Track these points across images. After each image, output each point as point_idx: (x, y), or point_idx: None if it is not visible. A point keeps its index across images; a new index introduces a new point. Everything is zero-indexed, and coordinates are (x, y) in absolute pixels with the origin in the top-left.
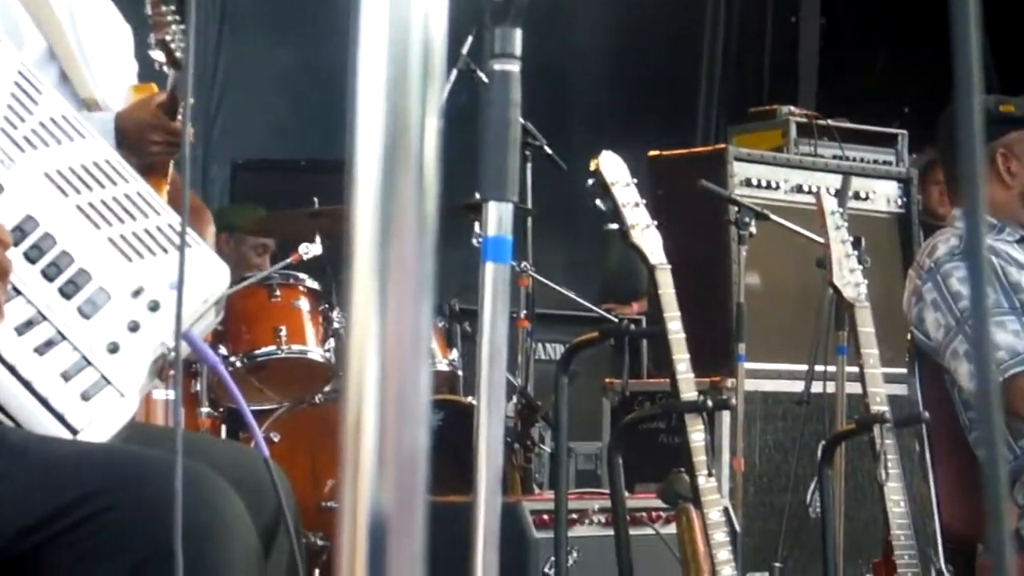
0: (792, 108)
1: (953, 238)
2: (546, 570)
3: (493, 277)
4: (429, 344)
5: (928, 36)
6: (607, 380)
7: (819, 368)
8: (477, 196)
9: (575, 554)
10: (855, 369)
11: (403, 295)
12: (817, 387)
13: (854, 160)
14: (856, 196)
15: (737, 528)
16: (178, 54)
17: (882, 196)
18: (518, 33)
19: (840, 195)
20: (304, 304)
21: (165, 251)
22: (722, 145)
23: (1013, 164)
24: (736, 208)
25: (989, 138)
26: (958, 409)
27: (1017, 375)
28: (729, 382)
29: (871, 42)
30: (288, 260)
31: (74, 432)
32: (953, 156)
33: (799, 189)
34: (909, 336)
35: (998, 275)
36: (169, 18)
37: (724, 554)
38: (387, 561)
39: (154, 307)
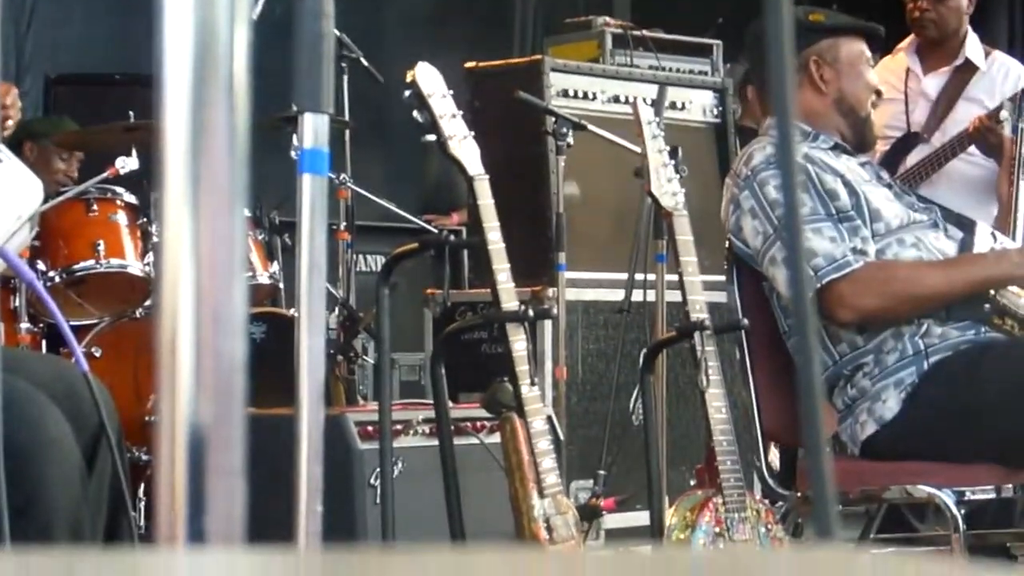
0: (608, 19)
1: (769, 146)
2: (372, 481)
3: (311, 189)
4: (244, 256)
5: None
6: (428, 291)
7: (639, 277)
8: (294, 108)
9: (400, 465)
10: (675, 277)
11: (216, 207)
12: (637, 295)
13: (670, 70)
14: (672, 106)
15: (561, 436)
16: None
17: (698, 106)
18: None
19: (656, 105)
20: (122, 218)
21: None
22: (538, 56)
23: (826, 71)
24: (553, 119)
25: (801, 47)
26: (776, 315)
27: (834, 281)
28: (550, 291)
29: None
30: (105, 174)
31: None
32: (764, 66)
33: (616, 99)
34: (727, 244)
35: (813, 182)
36: None
37: (548, 462)
38: (206, 474)
39: None
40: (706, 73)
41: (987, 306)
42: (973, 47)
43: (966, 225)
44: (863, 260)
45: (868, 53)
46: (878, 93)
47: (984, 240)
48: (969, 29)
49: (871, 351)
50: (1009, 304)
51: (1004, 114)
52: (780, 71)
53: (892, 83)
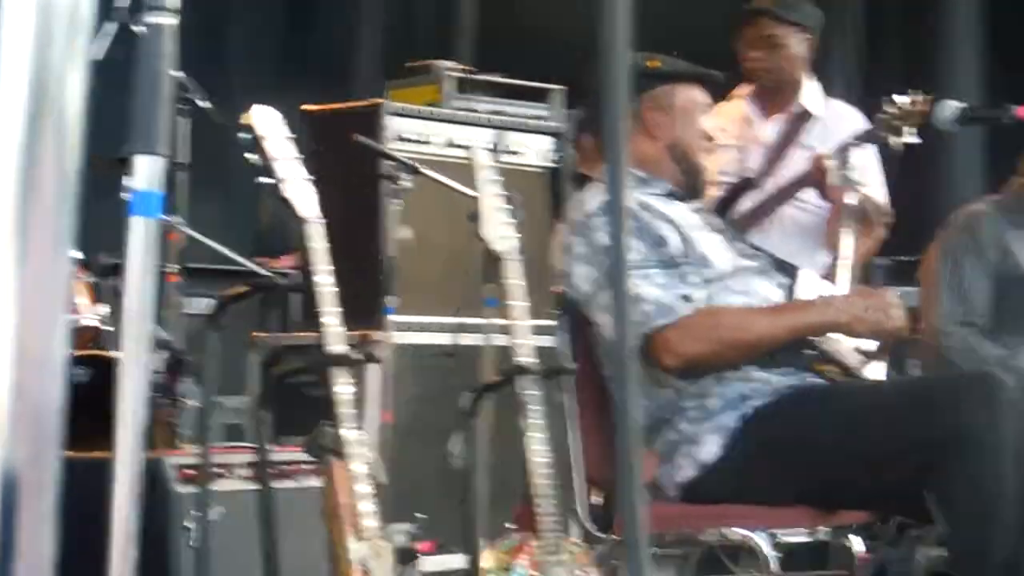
0: (448, 63)
1: (601, 193)
2: (189, 525)
3: (141, 231)
4: (67, 299)
5: None
6: (255, 334)
7: (469, 321)
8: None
9: (220, 509)
10: (503, 321)
11: (41, 249)
12: (466, 340)
13: (509, 115)
14: (510, 151)
15: (383, 480)
16: None
17: (535, 151)
18: None
19: (494, 150)
20: None
21: None
22: (377, 100)
23: (661, 118)
24: (390, 162)
25: (636, 93)
26: (603, 361)
27: (662, 327)
28: (378, 335)
29: None
30: None
31: None
32: (600, 112)
33: (454, 144)
34: (558, 289)
35: (645, 229)
36: None
37: (368, 506)
38: (17, 518)
39: None
40: (545, 118)
41: (811, 352)
42: (811, 95)
43: (792, 273)
44: (691, 307)
45: (705, 100)
46: (711, 140)
47: (809, 287)
48: (807, 76)
49: (694, 395)
50: (832, 351)
51: (831, 163)
52: (614, 118)
53: (728, 129)
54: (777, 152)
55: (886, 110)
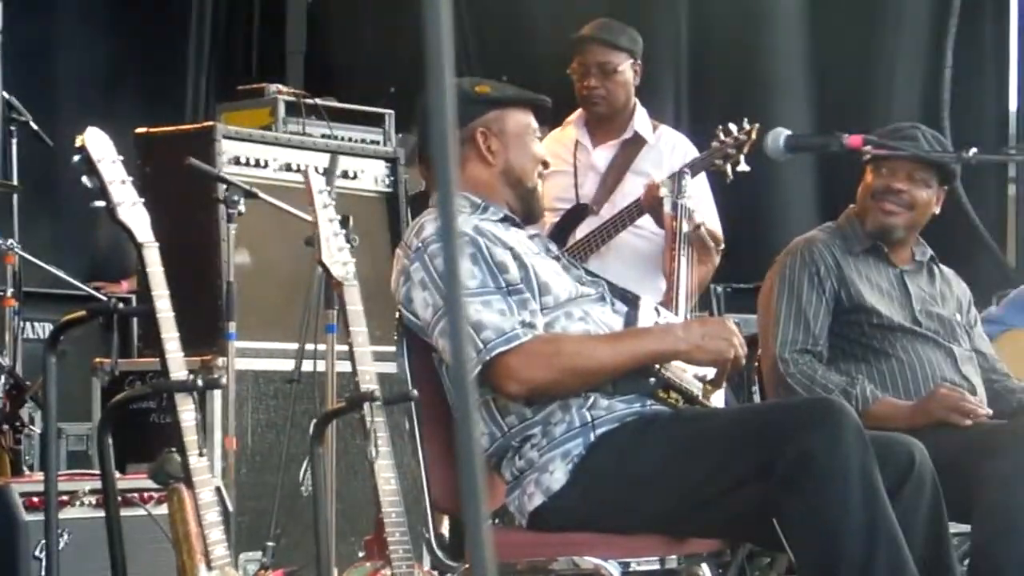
0: (280, 86)
1: (441, 218)
2: (37, 553)
3: None
4: None
5: (415, 13)
6: (96, 360)
7: (309, 347)
8: None
9: (66, 536)
10: (345, 347)
11: None
12: (308, 366)
13: (342, 139)
14: (344, 175)
15: (230, 507)
16: None
17: (370, 175)
18: None
19: (328, 174)
20: None
21: None
22: (210, 123)
23: (493, 143)
24: (225, 186)
25: (467, 119)
26: (446, 386)
27: (502, 354)
28: (220, 361)
29: (358, 19)
30: None
31: None
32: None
33: (288, 168)
34: (398, 315)
35: (483, 255)
36: None
37: (216, 534)
38: None
39: None
40: (378, 142)
41: (652, 380)
42: (641, 121)
43: (630, 300)
44: (532, 333)
45: (535, 125)
46: (545, 164)
47: (648, 315)
48: (637, 103)
49: (539, 423)
50: (673, 378)
51: (664, 191)
52: (442, 143)
53: (562, 155)
54: (611, 179)
55: (719, 139)
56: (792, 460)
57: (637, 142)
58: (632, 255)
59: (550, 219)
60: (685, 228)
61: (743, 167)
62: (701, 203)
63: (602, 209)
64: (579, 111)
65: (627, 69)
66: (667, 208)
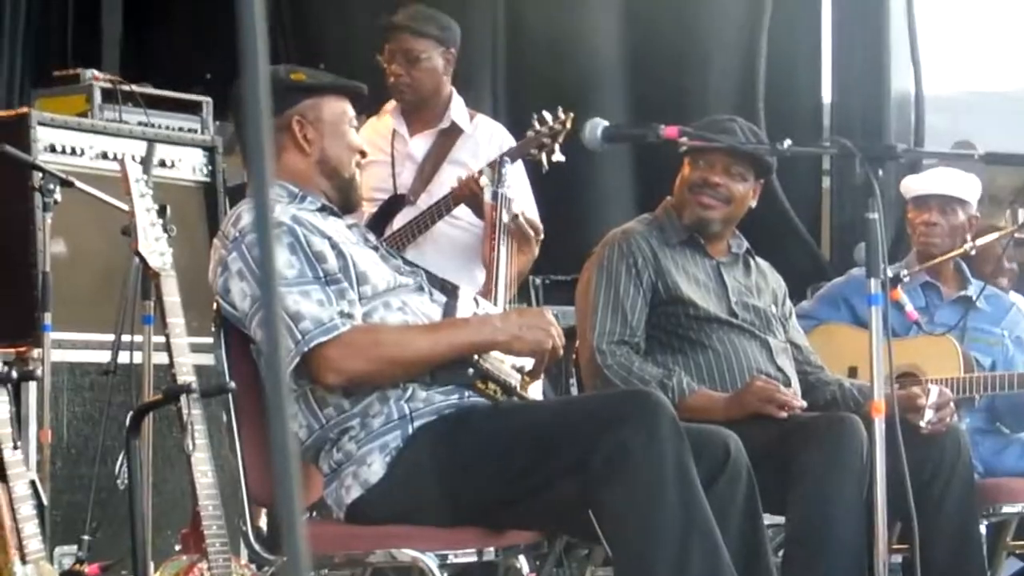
0: (96, 72)
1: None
2: None
3: None
4: None
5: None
6: None
7: (126, 338)
8: None
9: None
10: (162, 339)
11: None
12: (124, 357)
13: (159, 127)
14: (162, 164)
15: (44, 501)
16: None
17: (188, 164)
18: None
19: (145, 162)
20: None
21: None
22: (25, 109)
23: (309, 131)
24: (40, 174)
25: (283, 108)
26: (263, 378)
27: (321, 344)
28: (35, 352)
29: (174, 4)
30: None
31: None
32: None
33: (105, 156)
34: (215, 306)
35: (301, 245)
36: None
37: (31, 527)
38: None
39: None
40: (196, 131)
41: (470, 371)
42: (458, 110)
43: (449, 290)
44: (350, 323)
45: (351, 113)
46: (363, 154)
47: (467, 305)
48: (454, 91)
49: (357, 414)
50: (492, 369)
51: (484, 180)
52: (256, 133)
53: (379, 145)
54: (428, 168)
55: (535, 128)
56: (608, 453)
57: (454, 131)
58: (449, 245)
59: (368, 209)
60: (505, 218)
61: (558, 156)
62: (519, 192)
63: (419, 199)
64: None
65: (434, 57)
66: (487, 197)
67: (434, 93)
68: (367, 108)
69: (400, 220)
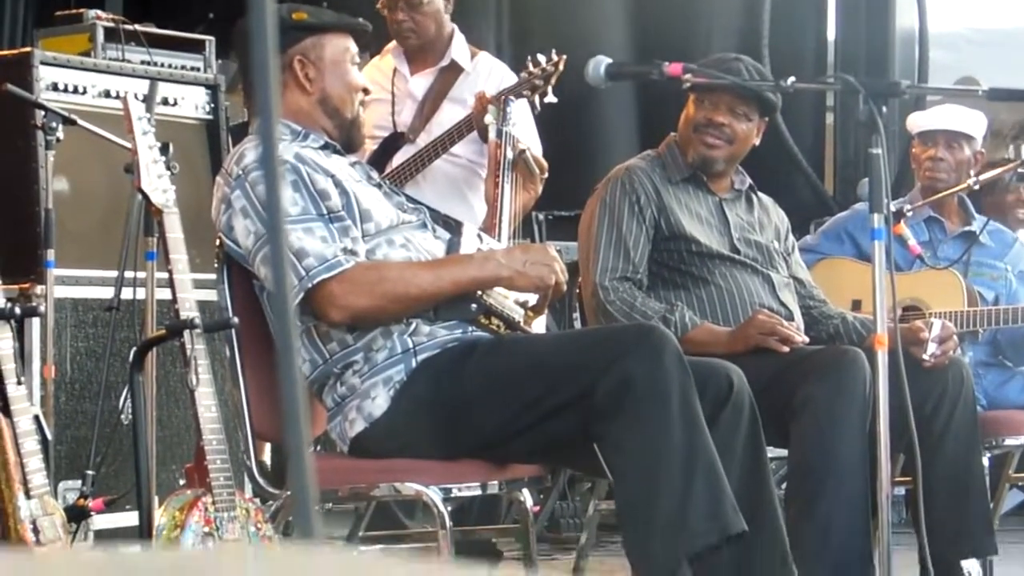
0: (99, 12)
1: (261, 145)
2: None
3: None
4: None
5: None
6: None
7: (129, 274)
8: None
9: None
10: (165, 275)
11: None
12: (128, 293)
13: (162, 66)
14: (164, 102)
15: (49, 436)
16: None
17: (190, 102)
18: None
19: (147, 101)
20: None
21: None
22: (27, 49)
23: (311, 71)
24: (43, 112)
25: (284, 47)
26: (267, 314)
27: (325, 280)
28: (39, 289)
29: None
30: None
31: None
32: (249, 64)
33: (107, 94)
34: (218, 242)
35: (304, 182)
36: None
37: (35, 462)
38: None
39: None
40: (198, 69)
41: (474, 306)
42: (459, 48)
43: (453, 227)
44: (354, 260)
45: (354, 50)
46: (365, 91)
47: (471, 241)
48: (455, 29)
49: (361, 349)
50: (495, 304)
51: (489, 118)
52: (263, 70)
53: (380, 83)
54: (427, 107)
55: (528, 69)
56: (612, 385)
57: (454, 70)
58: (446, 182)
59: (369, 147)
60: (509, 155)
61: (551, 98)
62: (524, 130)
63: (418, 137)
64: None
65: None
66: (491, 135)
67: (437, 34)
68: (370, 47)
69: (399, 158)
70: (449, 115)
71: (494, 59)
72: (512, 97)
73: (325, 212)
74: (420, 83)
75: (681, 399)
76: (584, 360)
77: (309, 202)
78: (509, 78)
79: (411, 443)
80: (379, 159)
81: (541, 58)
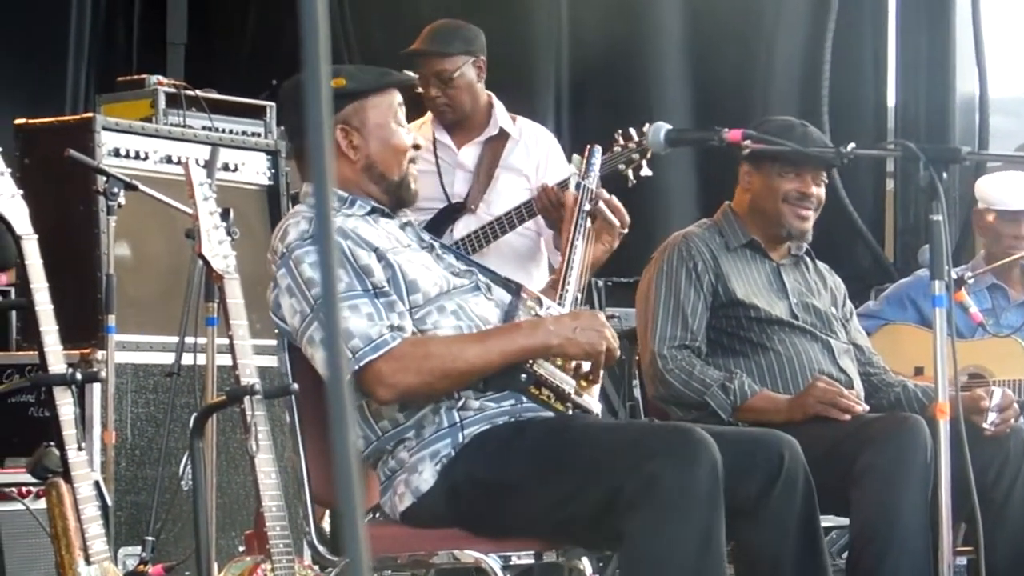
0: (161, 78)
1: (303, 221)
2: None
3: None
4: None
5: (294, 3)
6: None
7: (189, 340)
8: None
9: None
10: (226, 341)
11: None
12: (188, 359)
13: (223, 131)
14: (225, 167)
15: (109, 502)
16: None
17: (251, 168)
18: None
19: (208, 166)
20: None
21: None
22: (89, 114)
23: (354, 138)
24: (104, 178)
25: None
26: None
27: (371, 362)
28: (99, 354)
29: (240, 8)
30: None
31: None
32: (299, 129)
33: (169, 160)
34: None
35: (348, 258)
36: None
37: (95, 528)
38: None
39: None
40: (259, 135)
41: (524, 376)
42: (502, 116)
43: (513, 289)
44: (400, 337)
45: (398, 104)
46: (416, 147)
47: (529, 305)
48: (492, 97)
49: (412, 426)
50: (545, 374)
51: (571, 168)
52: (318, 143)
53: (422, 155)
54: (483, 176)
55: (619, 143)
56: (640, 483)
57: (502, 137)
58: (512, 254)
59: (418, 218)
60: (587, 207)
61: (646, 171)
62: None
63: (479, 208)
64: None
65: (466, 71)
66: (571, 187)
67: (474, 105)
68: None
69: (462, 228)
70: (506, 184)
71: (535, 123)
72: (598, 149)
73: (370, 287)
74: (470, 153)
75: (704, 512)
76: (622, 454)
77: (354, 278)
78: (553, 143)
79: (456, 519)
80: (435, 231)
81: (632, 131)
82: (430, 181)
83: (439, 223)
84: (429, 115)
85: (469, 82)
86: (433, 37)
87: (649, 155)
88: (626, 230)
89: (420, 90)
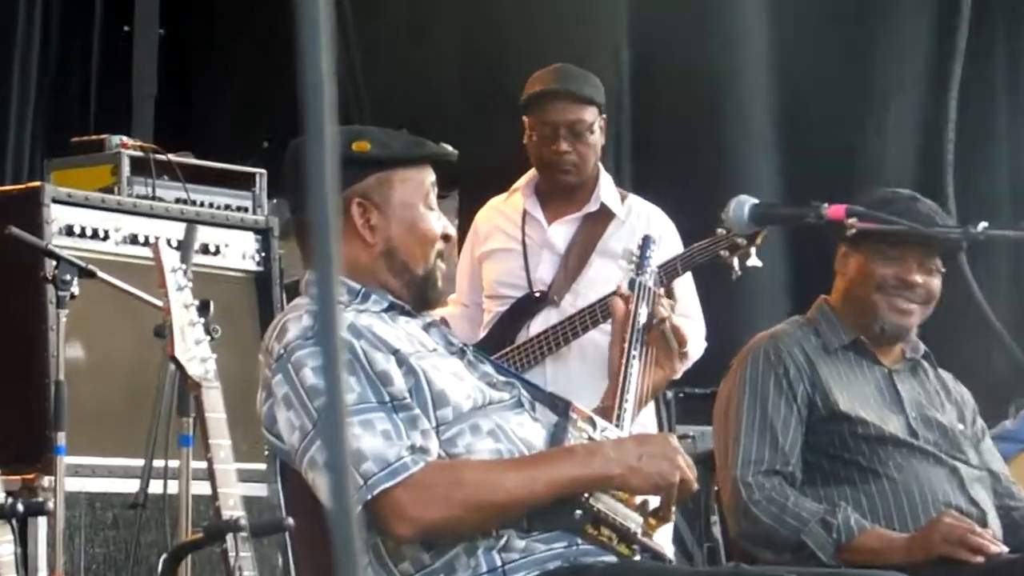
0: (124, 138)
1: (306, 316)
2: None
3: None
4: None
5: (291, 51)
6: None
7: (158, 463)
8: None
9: None
10: (203, 464)
11: None
12: (156, 487)
13: (202, 205)
14: (205, 249)
15: None
16: None
17: (236, 250)
18: None
19: (184, 248)
20: None
21: None
22: (37, 183)
23: (374, 216)
24: (54, 262)
25: (342, 185)
26: (327, 516)
27: (388, 490)
28: (46, 480)
29: (224, 59)
30: None
31: None
32: (300, 204)
33: (134, 240)
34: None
35: (361, 363)
36: None
37: None
38: None
39: None
40: (247, 209)
41: (578, 513)
42: (607, 190)
43: (560, 408)
44: (424, 460)
45: (431, 184)
46: (446, 238)
47: (581, 427)
48: (601, 168)
49: (440, 570)
50: (605, 510)
51: (622, 262)
52: (320, 216)
53: (507, 231)
54: (573, 261)
55: (729, 229)
56: None
57: (603, 216)
58: (596, 354)
59: (494, 308)
60: (643, 314)
61: (755, 261)
62: (687, 305)
63: (563, 299)
64: (529, 175)
65: (598, 127)
66: (623, 287)
67: (592, 172)
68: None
69: (540, 323)
70: (600, 272)
71: (649, 204)
72: (653, 240)
73: (387, 399)
74: (560, 232)
75: None
76: None
77: (367, 387)
78: (668, 227)
79: None
80: (511, 324)
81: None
82: (513, 263)
83: (515, 315)
84: (521, 183)
85: (599, 141)
86: (567, 77)
87: (759, 241)
88: (687, 349)
89: (528, 141)
